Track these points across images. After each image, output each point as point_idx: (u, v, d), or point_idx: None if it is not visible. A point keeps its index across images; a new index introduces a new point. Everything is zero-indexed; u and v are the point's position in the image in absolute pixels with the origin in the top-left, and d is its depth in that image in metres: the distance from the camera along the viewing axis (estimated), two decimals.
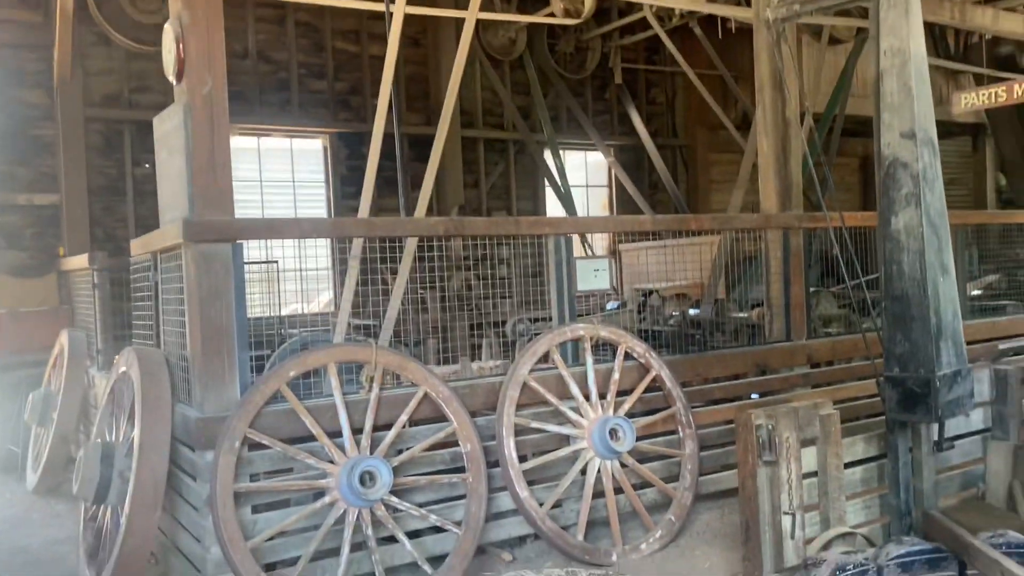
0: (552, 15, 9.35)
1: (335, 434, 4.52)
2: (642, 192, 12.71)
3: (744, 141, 10.94)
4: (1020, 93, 7.01)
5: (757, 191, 7.16)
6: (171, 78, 4.51)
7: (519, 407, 5.06)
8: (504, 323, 8.34)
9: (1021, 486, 4.33)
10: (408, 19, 6.56)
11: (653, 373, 5.51)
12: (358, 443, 4.52)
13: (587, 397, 5.23)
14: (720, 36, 11.30)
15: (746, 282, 8.38)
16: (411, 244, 5.49)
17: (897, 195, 4.17)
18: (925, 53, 4.25)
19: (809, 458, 4.15)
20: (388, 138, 6.42)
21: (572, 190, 12.18)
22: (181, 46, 4.35)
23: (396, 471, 4.52)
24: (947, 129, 13.11)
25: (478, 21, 10.48)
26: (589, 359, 5.31)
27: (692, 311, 7.83)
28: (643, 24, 11.55)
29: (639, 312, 8.34)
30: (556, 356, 5.25)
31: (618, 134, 13.30)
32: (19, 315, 7.87)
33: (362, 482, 4.36)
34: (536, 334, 7.53)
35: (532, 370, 5.15)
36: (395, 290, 5.55)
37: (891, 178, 4.20)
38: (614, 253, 10.40)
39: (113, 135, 9.59)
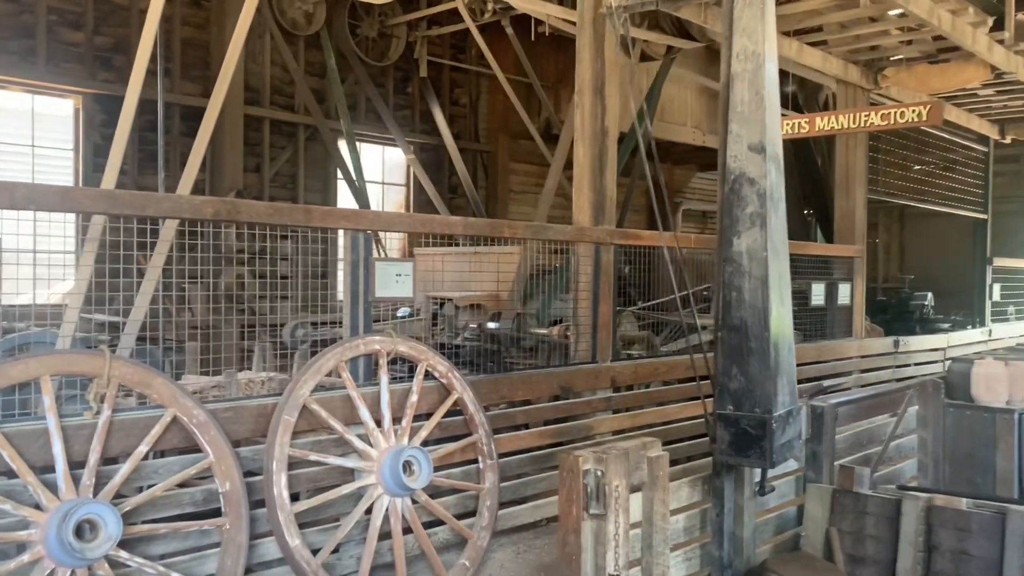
0: None
1: (49, 469, 3.44)
2: (441, 195, 12.10)
3: (548, 152, 10.63)
4: (822, 125, 7.12)
5: (562, 204, 6.77)
6: None
7: (297, 434, 4.20)
8: (282, 327, 7.39)
9: (839, 533, 4.09)
10: None
11: (455, 396, 4.85)
12: (77, 481, 3.46)
13: (379, 423, 4.46)
14: (532, 39, 10.93)
15: (547, 297, 7.99)
16: (169, 228, 4.43)
17: (741, 214, 3.77)
18: (777, 58, 3.90)
19: (635, 507, 3.63)
20: (156, 106, 5.33)
21: (368, 186, 11.32)
22: None
23: (129, 516, 3.53)
24: None
25: None
26: (384, 379, 4.54)
27: (491, 324, 7.30)
28: (451, 17, 10.95)
29: (433, 322, 7.72)
30: (345, 374, 4.44)
31: (419, 131, 12.60)
32: None
33: (79, 534, 3.33)
34: (317, 340, 6.64)
35: (316, 389, 4.30)
36: (145, 284, 4.46)
37: (736, 195, 3.79)
38: (407, 256, 9.68)
39: None
